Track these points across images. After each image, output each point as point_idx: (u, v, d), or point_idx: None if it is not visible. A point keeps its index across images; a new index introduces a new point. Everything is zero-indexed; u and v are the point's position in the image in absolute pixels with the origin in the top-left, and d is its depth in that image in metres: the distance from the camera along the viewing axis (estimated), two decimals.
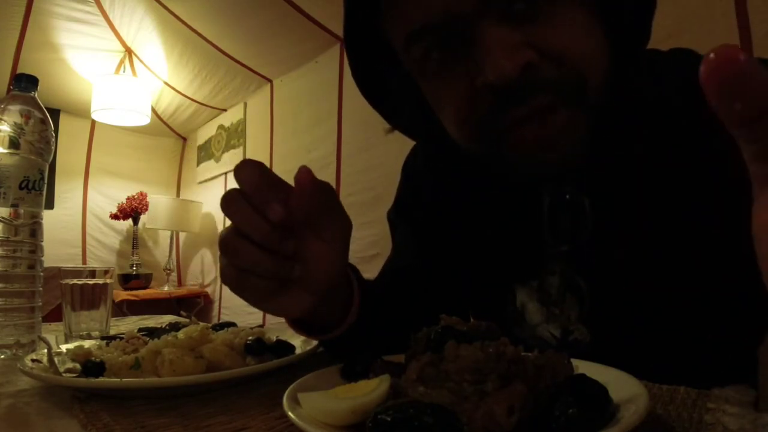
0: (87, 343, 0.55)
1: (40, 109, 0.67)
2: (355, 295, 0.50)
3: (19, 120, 0.65)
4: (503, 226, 0.56)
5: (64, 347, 0.55)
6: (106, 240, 3.68)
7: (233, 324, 0.65)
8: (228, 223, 0.40)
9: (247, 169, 0.38)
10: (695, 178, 0.44)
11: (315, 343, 0.56)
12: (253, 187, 0.37)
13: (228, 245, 0.38)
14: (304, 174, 0.38)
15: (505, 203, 0.55)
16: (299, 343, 0.58)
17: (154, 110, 3.41)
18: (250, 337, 0.53)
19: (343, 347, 0.51)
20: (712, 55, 0.18)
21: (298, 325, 0.50)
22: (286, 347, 0.54)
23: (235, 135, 3.40)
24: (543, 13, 0.39)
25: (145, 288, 3.46)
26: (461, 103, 0.44)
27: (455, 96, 0.44)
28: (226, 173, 3.49)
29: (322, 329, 0.50)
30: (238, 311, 3.15)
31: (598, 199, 0.48)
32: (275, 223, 0.37)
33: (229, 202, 0.38)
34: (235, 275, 0.39)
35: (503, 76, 0.38)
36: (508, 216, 0.55)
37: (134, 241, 3.59)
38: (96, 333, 0.72)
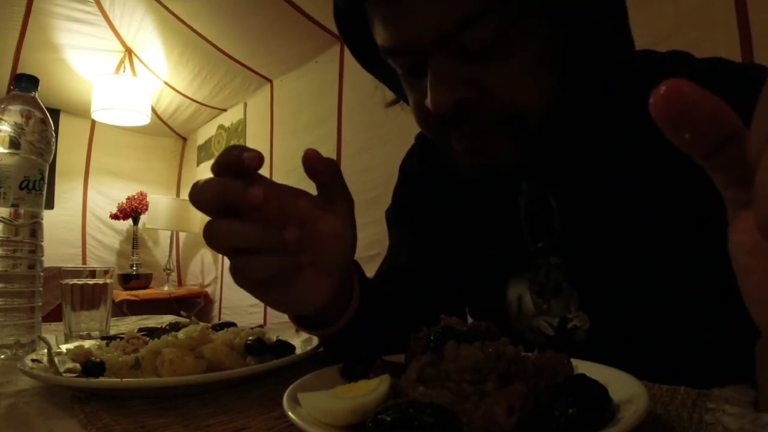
0: (87, 343, 0.55)
1: (40, 109, 0.67)
2: (355, 287, 0.50)
3: (19, 120, 0.65)
4: (494, 222, 0.58)
5: (64, 347, 0.55)
6: (106, 240, 3.68)
7: (233, 324, 0.65)
8: None
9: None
10: (675, 177, 0.44)
11: (315, 343, 0.56)
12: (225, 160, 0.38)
13: (212, 229, 0.37)
14: (313, 154, 0.41)
15: (494, 201, 0.58)
16: (299, 343, 0.58)
17: (154, 110, 3.41)
18: (250, 337, 0.53)
19: (343, 343, 0.51)
20: (662, 88, 0.18)
21: (300, 320, 0.50)
22: (286, 347, 0.54)
23: (235, 135, 3.40)
24: (493, 53, 0.42)
25: (145, 288, 3.46)
26: (418, 110, 0.48)
27: (415, 102, 0.49)
28: None
29: (322, 324, 0.50)
30: (238, 311, 3.15)
31: (568, 196, 0.51)
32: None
33: (198, 187, 0.37)
34: (240, 263, 0.38)
35: (439, 109, 0.43)
36: (497, 212, 0.57)
37: (134, 241, 3.59)
38: (96, 333, 0.72)
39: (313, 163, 0.41)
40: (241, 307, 3.11)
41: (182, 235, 3.91)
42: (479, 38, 0.41)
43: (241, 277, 0.39)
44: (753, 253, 0.19)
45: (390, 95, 0.60)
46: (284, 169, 2.63)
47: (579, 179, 0.50)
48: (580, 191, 0.50)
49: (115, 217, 3.57)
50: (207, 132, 3.75)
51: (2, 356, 0.62)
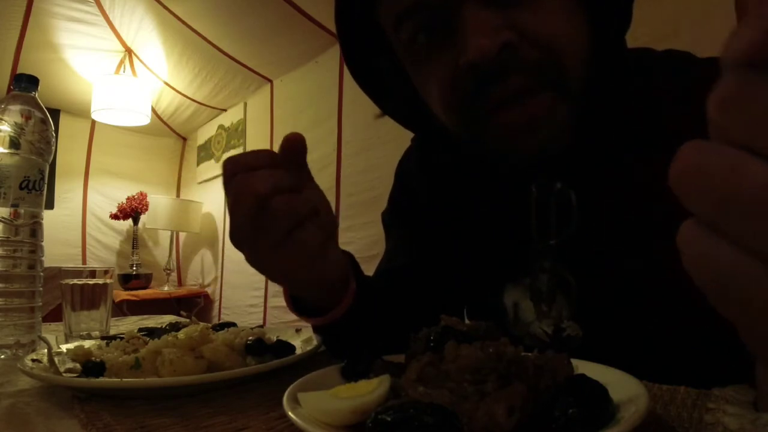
0: (87, 343, 0.55)
1: (40, 108, 0.67)
2: (350, 274, 0.51)
3: (19, 120, 0.65)
4: (494, 224, 0.57)
5: (64, 347, 0.55)
6: (106, 240, 3.69)
7: (233, 324, 0.65)
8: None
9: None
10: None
11: (315, 343, 0.56)
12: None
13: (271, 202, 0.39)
14: (299, 136, 0.43)
15: (496, 200, 0.56)
16: (299, 343, 0.58)
17: (154, 110, 3.41)
18: (250, 338, 0.53)
19: (342, 334, 0.52)
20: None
21: (298, 307, 0.51)
22: (286, 347, 0.54)
23: (235, 135, 3.40)
24: None
25: (145, 288, 3.46)
26: (446, 86, 0.45)
27: (441, 79, 0.45)
28: None
29: (319, 312, 0.51)
30: (238, 311, 3.15)
31: (584, 192, 0.49)
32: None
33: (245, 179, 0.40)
34: (282, 230, 0.40)
35: (483, 55, 0.40)
36: (499, 213, 0.56)
37: (134, 241, 3.59)
38: (96, 333, 0.72)
39: (296, 143, 0.43)
40: (241, 307, 3.11)
41: (182, 235, 3.91)
42: None
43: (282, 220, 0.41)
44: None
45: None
46: None
47: (597, 174, 0.49)
48: (598, 187, 0.49)
49: (115, 217, 3.57)
50: (207, 132, 3.75)
51: (2, 356, 0.62)
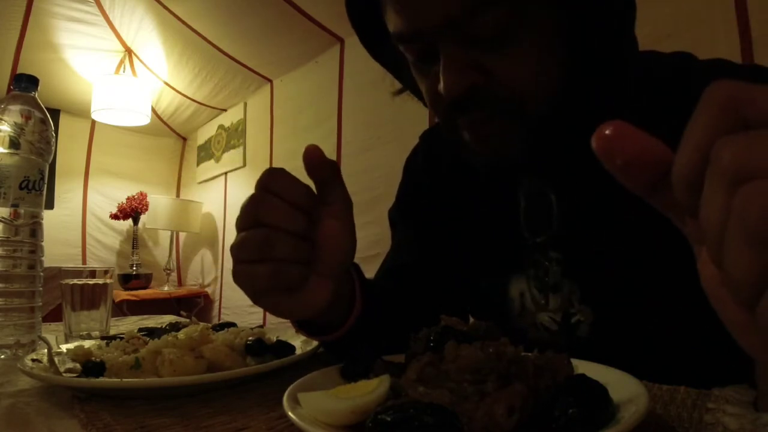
0: (87, 343, 0.55)
1: (40, 109, 0.67)
2: (357, 292, 0.50)
3: (19, 120, 0.65)
4: (495, 219, 0.58)
5: (64, 347, 0.55)
6: (106, 240, 3.68)
7: (233, 324, 0.65)
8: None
9: (276, 174, 0.42)
10: None
11: (315, 343, 0.56)
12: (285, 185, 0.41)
13: (259, 238, 0.39)
14: (313, 149, 0.42)
15: (494, 197, 0.58)
16: (299, 343, 0.58)
17: (154, 110, 3.41)
18: (250, 338, 0.54)
19: (346, 346, 0.51)
20: (607, 131, 0.21)
21: (304, 326, 0.50)
22: (286, 347, 0.54)
23: (235, 135, 3.40)
24: (501, 40, 0.42)
25: (145, 288, 3.46)
26: (430, 96, 0.49)
27: (427, 88, 0.49)
28: (226, 173, 3.49)
29: (325, 329, 0.50)
30: (238, 311, 3.15)
31: (567, 191, 0.52)
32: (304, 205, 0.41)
33: (258, 200, 0.40)
34: (269, 271, 0.40)
35: (450, 93, 0.44)
36: (497, 209, 0.58)
37: (134, 241, 3.59)
38: (96, 333, 0.72)
39: (313, 157, 0.42)
40: (241, 307, 3.11)
41: (182, 235, 3.90)
42: (487, 25, 0.41)
43: (250, 283, 0.41)
44: (723, 284, 0.20)
45: (397, 84, 0.60)
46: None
47: (577, 174, 0.50)
48: (579, 186, 0.51)
49: (115, 217, 3.57)
50: (207, 132, 3.75)
51: (2, 356, 0.62)
